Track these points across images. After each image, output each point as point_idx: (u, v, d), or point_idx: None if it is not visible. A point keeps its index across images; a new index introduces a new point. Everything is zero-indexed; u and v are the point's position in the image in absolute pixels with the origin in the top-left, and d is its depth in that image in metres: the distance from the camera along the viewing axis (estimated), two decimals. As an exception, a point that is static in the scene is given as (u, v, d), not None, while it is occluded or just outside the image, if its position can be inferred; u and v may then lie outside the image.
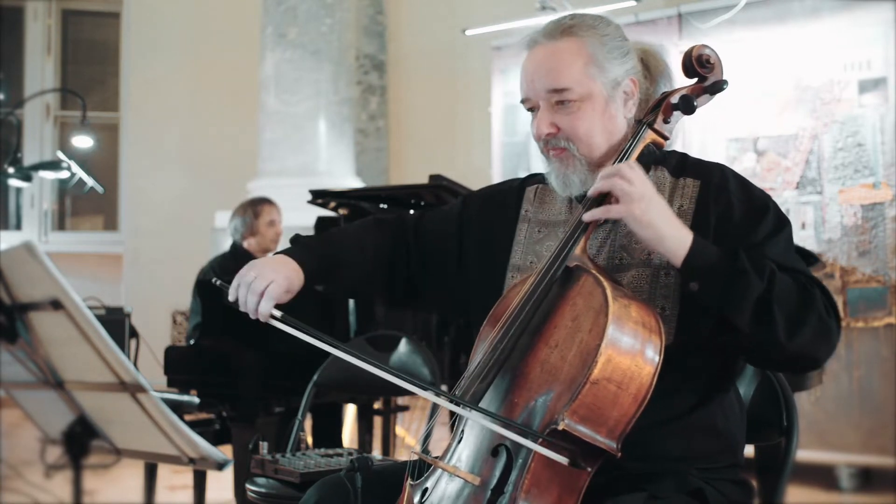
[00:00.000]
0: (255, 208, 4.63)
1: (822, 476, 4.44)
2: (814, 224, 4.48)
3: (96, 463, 1.40)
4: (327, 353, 2.70)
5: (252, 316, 1.67)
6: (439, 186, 3.65)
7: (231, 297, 1.69)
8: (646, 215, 1.50)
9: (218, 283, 1.71)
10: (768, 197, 1.65)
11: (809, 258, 3.36)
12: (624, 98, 1.68)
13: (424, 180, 3.73)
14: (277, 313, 1.66)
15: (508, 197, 1.84)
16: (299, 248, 1.80)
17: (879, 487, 4.45)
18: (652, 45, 1.78)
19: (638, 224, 1.51)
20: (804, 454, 4.13)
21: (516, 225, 1.79)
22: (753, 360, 1.69)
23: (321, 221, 4.35)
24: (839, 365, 4.35)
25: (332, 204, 4.00)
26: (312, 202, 3.97)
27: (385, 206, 3.96)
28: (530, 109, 1.70)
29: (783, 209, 4.60)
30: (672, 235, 1.51)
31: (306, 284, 1.74)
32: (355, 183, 6.60)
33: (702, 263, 1.50)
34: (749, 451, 1.96)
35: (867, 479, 4.48)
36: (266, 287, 1.65)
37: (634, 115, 1.70)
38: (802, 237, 4.48)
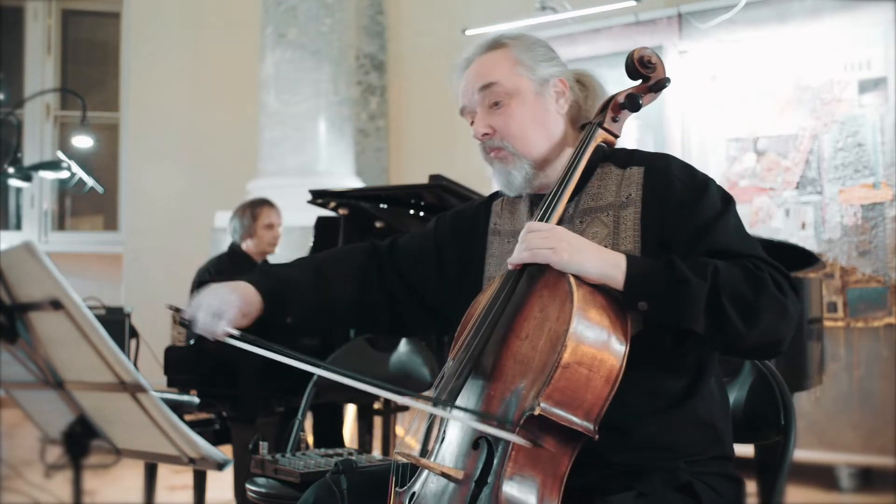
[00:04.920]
0: (253, 210, 4.63)
1: (822, 476, 4.44)
2: (814, 224, 4.49)
3: (96, 463, 1.39)
4: (327, 354, 2.71)
5: (210, 337, 1.71)
6: (439, 186, 3.65)
7: (188, 317, 1.72)
8: (574, 257, 1.53)
9: (171, 307, 1.75)
10: (710, 178, 1.68)
11: (809, 258, 3.36)
12: (556, 95, 1.74)
13: (424, 180, 3.72)
14: (235, 332, 1.69)
15: (478, 213, 1.89)
16: (259, 273, 1.83)
17: (879, 487, 4.45)
18: (586, 70, 1.83)
19: (570, 268, 1.53)
20: (804, 454, 4.14)
21: (487, 238, 1.84)
22: (722, 353, 1.70)
23: (321, 221, 4.35)
24: (839, 365, 4.35)
25: (332, 204, 3.99)
26: (312, 202, 3.96)
27: (385, 206, 3.96)
28: (471, 122, 1.76)
29: (783, 209, 4.66)
30: (606, 265, 1.53)
31: (267, 309, 1.76)
32: (355, 183, 6.60)
33: (641, 282, 1.52)
34: (748, 450, 1.96)
35: (867, 479, 4.48)
36: (221, 307, 1.69)
37: (568, 114, 1.75)
38: (802, 237, 4.48)
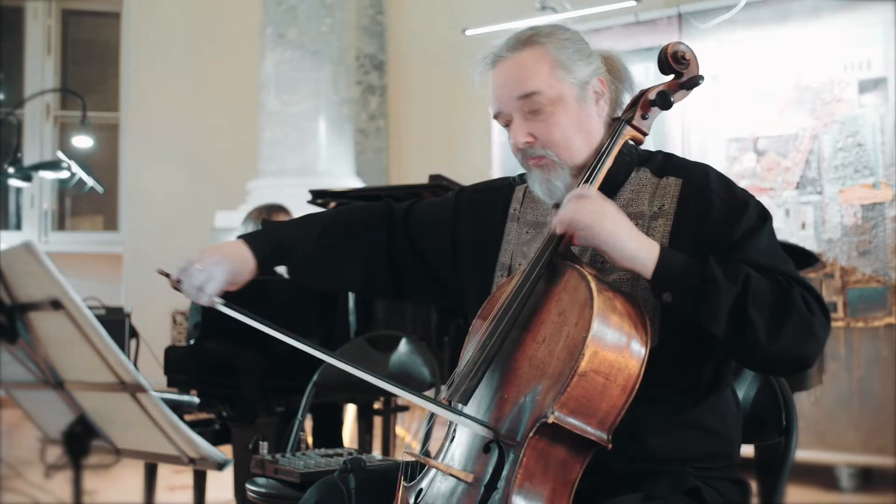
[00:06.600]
0: (269, 216, 4.63)
1: (822, 476, 4.44)
2: (814, 224, 4.48)
3: (96, 463, 1.39)
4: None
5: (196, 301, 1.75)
6: (439, 186, 3.65)
7: (174, 282, 1.76)
8: (612, 236, 1.50)
9: (161, 271, 1.79)
10: (750, 195, 1.63)
11: (809, 258, 3.36)
12: (595, 97, 1.68)
13: (424, 180, 3.73)
14: (219, 301, 1.72)
15: (499, 195, 1.84)
16: (261, 233, 1.84)
17: (879, 487, 4.45)
18: (611, 50, 1.77)
19: (605, 245, 1.50)
20: (804, 454, 4.13)
21: (505, 224, 1.80)
22: (742, 363, 1.67)
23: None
24: (839, 365, 4.35)
25: (332, 204, 4.00)
26: (312, 202, 3.97)
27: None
28: (505, 125, 1.70)
29: (783, 209, 4.66)
30: (639, 249, 1.50)
31: (260, 270, 1.79)
32: (355, 183, 6.60)
33: (671, 274, 1.49)
34: (749, 451, 1.96)
35: (867, 479, 4.47)
36: (205, 282, 1.71)
37: (607, 115, 1.70)
38: (802, 237, 4.48)
